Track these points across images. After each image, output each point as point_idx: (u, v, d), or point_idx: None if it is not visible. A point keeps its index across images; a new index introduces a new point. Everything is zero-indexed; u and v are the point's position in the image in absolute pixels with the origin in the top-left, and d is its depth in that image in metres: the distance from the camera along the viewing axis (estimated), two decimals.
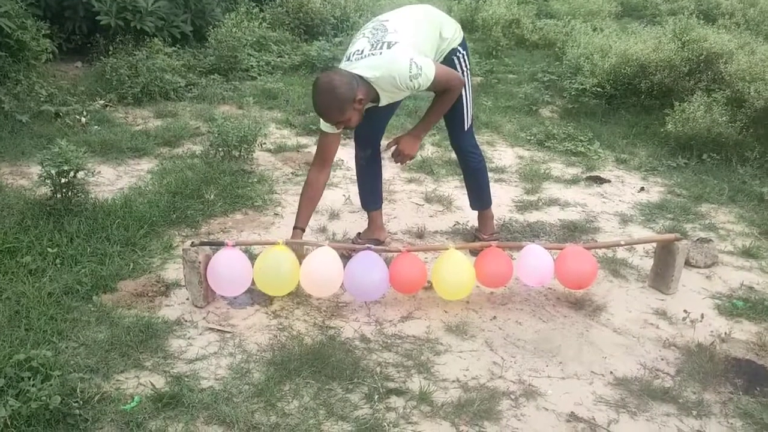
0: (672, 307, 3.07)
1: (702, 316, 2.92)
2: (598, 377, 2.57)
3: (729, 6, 9.64)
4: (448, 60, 3.13)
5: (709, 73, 5.72)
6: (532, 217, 4.00)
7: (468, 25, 9.62)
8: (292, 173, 4.42)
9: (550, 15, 10.70)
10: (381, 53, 2.82)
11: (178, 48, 6.73)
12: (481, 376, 2.53)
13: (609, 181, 4.64)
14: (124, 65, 5.75)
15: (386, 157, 3.51)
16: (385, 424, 2.23)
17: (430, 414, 2.30)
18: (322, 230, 3.61)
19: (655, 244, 3.28)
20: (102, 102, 5.49)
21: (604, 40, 6.88)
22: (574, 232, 3.81)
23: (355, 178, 4.36)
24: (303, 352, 2.54)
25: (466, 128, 3.35)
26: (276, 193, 4.08)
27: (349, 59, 2.92)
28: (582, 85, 6.19)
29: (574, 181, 4.62)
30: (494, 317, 2.94)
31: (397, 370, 2.52)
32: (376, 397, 2.35)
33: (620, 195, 4.41)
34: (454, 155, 4.85)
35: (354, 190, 4.16)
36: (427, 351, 2.66)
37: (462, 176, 3.66)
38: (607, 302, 3.10)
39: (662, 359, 2.70)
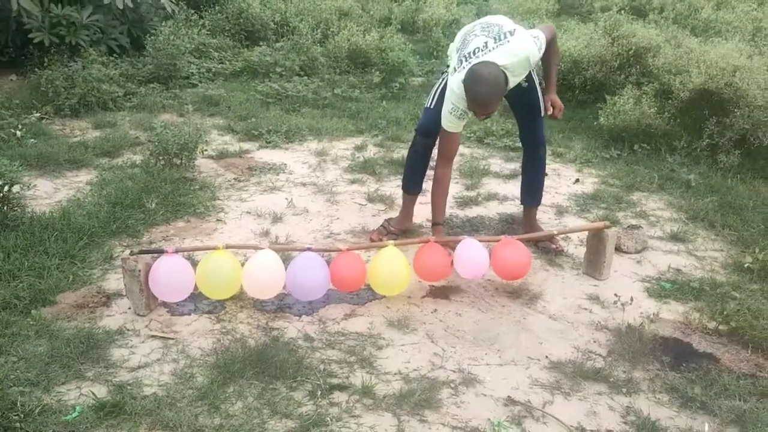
0: (604, 292, 3.21)
1: (632, 299, 3.06)
2: (534, 362, 2.67)
3: (659, 1, 10.01)
4: None
5: (638, 67, 5.95)
6: (472, 212, 4.10)
7: (409, 27, 9.76)
8: (234, 179, 4.43)
9: (489, 14, 10.90)
10: (509, 41, 3.02)
11: (115, 58, 6.64)
12: (422, 367, 2.61)
13: (546, 175, 4.75)
14: (60, 77, 5.65)
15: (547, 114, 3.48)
16: (329, 419, 2.28)
17: (373, 407, 2.37)
18: (265, 234, 3.64)
19: (587, 233, 3.41)
20: (38, 115, 5.38)
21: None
22: (512, 225, 3.92)
23: (304, 181, 4.45)
24: (246, 354, 2.58)
25: (543, 114, 3.44)
26: (218, 199, 4.08)
27: (469, 58, 3.05)
28: None
29: (512, 175, 4.74)
30: (435, 310, 3.02)
31: (340, 367, 2.58)
32: (319, 393, 2.40)
33: (556, 187, 4.56)
34: (396, 155, 4.98)
35: (297, 193, 4.23)
36: (370, 346, 2.72)
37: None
38: (544, 290, 3.22)
39: (594, 341, 2.82)
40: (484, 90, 2.93)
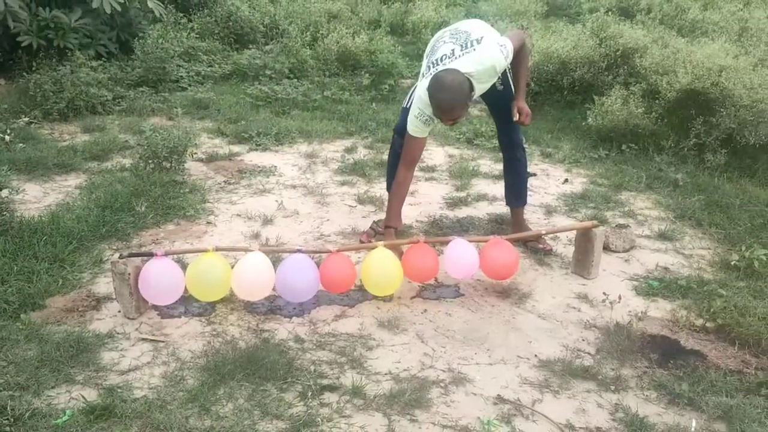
0: (593, 290, 3.23)
1: (620, 297, 3.09)
2: (523, 361, 2.69)
3: (647, 2, 10.07)
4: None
5: (626, 67, 6.00)
6: (462, 212, 4.12)
7: (398, 29, 9.78)
8: (224, 182, 4.43)
9: (478, 16, 10.91)
10: (475, 49, 3.07)
11: (104, 61, 6.63)
12: (412, 367, 2.62)
13: (535, 175, 4.81)
14: (48, 81, 5.63)
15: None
16: (319, 419, 2.29)
17: (363, 407, 2.38)
18: (256, 236, 3.64)
19: (575, 232, 3.44)
20: (26, 119, 5.36)
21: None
22: (501, 225, 3.95)
23: (294, 183, 4.45)
24: (237, 356, 2.58)
25: (515, 118, 3.42)
26: (208, 202, 4.08)
27: (437, 64, 3.11)
28: None
29: (501, 176, 4.73)
30: (425, 310, 3.03)
31: (330, 367, 2.59)
32: (310, 394, 2.41)
33: (545, 187, 4.58)
34: (386, 156, 4.97)
35: (287, 195, 4.23)
36: (360, 347, 2.73)
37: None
38: (533, 290, 3.24)
39: (583, 340, 2.84)
40: (448, 97, 2.96)
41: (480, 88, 3.14)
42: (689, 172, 4.78)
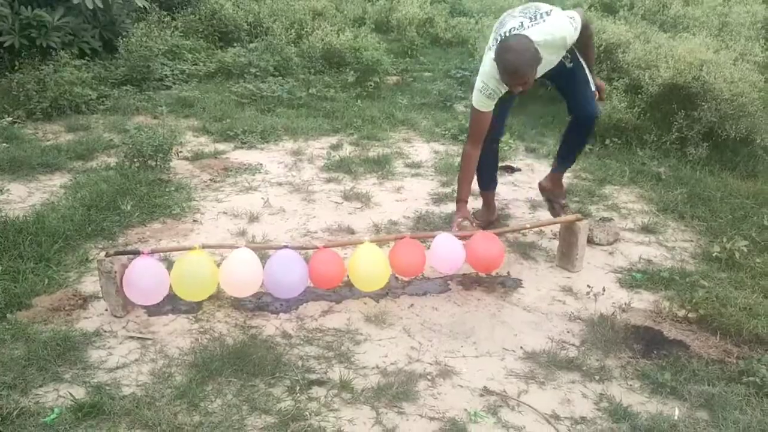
0: (578, 283, 3.27)
1: (604, 289, 3.13)
2: (509, 353, 2.72)
3: None
4: None
5: (609, 62, 6.03)
6: (448, 208, 4.14)
7: (383, 26, 9.79)
8: (210, 180, 4.43)
9: (462, 13, 10.97)
10: (545, 20, 3.08)
11: (88, 60, 6.59)
12: (399, 361, 2.64)
13: (519, 170, 4.85)
14: (31, 80, 5.59)
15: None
16: (307, 413, 2.31)
17: (351, 400, 2.40)
18: (242, 233, 3.65)
19: (560, 226, 3.47)
20: (9, 119, 5.33)
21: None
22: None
23: (280, 181, 4.46)
24: (225, 353, 2.59)
25: (592, 89, 3.44)
26: (194, 200, 4.08)
27: (503, 36, 3.10)
28: None
29: None
30: (412, 305, 3.05)
31: (318, 362, 2.60)
32: (298, 388, 2.42)
33: (530, 182, 4.62)
34: (372, 153, 5.01)
35: (273, 192, 4.24)
36: (348, 341, 2.75)
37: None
38: (518, 283, 3.27)
39: (568, 332, 2.88)
40: (513, 57, 2.96)
41: (547, 60, 3.13)
42: (672, 165, 4.83)
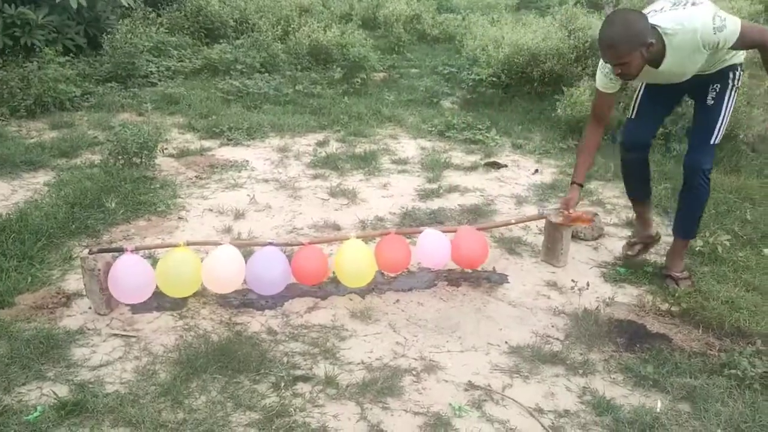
0: (562, 278, 3.29)
1: (588, 284, 3.15)
2: (494, 348, 2.73)
3: None
4: (724, 73, 2.96)
5: (594, 58, 6.06)
6: (434, 204, 4.15)
7: (370, 23, 9.79)
8: (196, 177, 4.41)
9: (449, 9, 11.00)
10: (685, 8, 2.71)
11: (72, 57, 6.54)
12: (384, 356, 2.65)
13: (506, 166, 4.86)
14: (15, 77, 5.55)
15: None
16: (292, 409, 2.31)
17: (336, 396, 2.40)
18: (227, 230, 3.64)
19: (545, 221, 3.48)
20: None
21: (498, 32, 7.15)
22: (473, 215, 3.98)
23: (266, 177, 4.45)
24: (210, 350, 2.58)
25: (712, 141, 2.97)
26: (180, 197, 4.07)
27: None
28: (479, 75, 6.43)
29: (473, 167, 4.81)
30: (397, 300, 3.06)
31: (303, 358, 2.60)
32: (283, 385, 2.42)
33: (516, 178, 4.64)
34: (358, 149, 5.01)
35: (259, 189, 4.23)
36: (333, 338, 2.75)
37: None
38: (504, 278, 3.28)
39: (552, 326, 2.89)
40: (608, 30, 2.67)
41: (673, 57, 2.74)
42: (656, 161, 4.85)
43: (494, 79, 6.36)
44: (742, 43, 2.75)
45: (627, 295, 3.16)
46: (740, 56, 2.97)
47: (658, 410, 2.35)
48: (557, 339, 2.80)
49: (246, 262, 2.91)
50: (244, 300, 3.01)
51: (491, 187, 4.46)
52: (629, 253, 3.44)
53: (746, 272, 3.31)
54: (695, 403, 2.39)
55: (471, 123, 5.65)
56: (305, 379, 2.48)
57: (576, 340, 2.78)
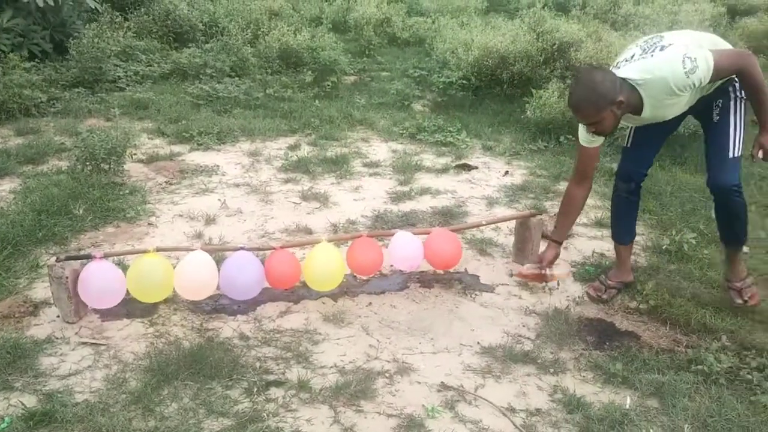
0: None
1: (558, 283, 3.19)
2: (466, 348, 2.75)
3: None
4: (722, 89, 2.85)
5: (562, 61, 6.16)
6: (406, 206, 4.17)
7: (340, 26, 9.80)
8: (165, 182, 4.37)
9: (420, 13, 11.04)
10: (653, 56, 2.65)
11: (38, 62, 6.44)
12: (357, 359, 2.65)
13: (476, 168, 4.90)
14: None
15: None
16: (265, 414, 2.30)
17: (309, 400, 2.39)
18: (198, 236, 3.61)
19: (515, 222, 3.52)
20: None
21: (467, 35, 7.21)
22: (445, 217, 4.01)
23: (237, 182, 4.42)
24: (181, 356, 2.56)
25: (731, 155, 2.81)
26: (149, 203, 4.02)
27: (616, 66, 2.77)
28: (449, 78, 6.48)
29: (444, 170, 4.84)
30: (370, 303, 3.07)
31: (276, 363, 2.60)
32: (255, 390, 2.41)
33: (487, 180, 4.68)
34: (329, 153, 5.01)
35: (230, 194, 4.20)
36: (306, 342, 2.75)
37: None
38: (476, 279, 3.31)
39: (524, 326, 2.92)
40: (576, 92, 2.66)
41: (651, 104, 2.70)
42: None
43: (464, 81, 6.42)
44: (720, 75, 2.70)
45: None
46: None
47: (627, 407, 2.39)
48: (528, 338, 2.83)
49: (218, 268, 2.90)
50: (216, 306, 2.99)
51: (462, 189, 4.49)
52: (604, 297, 3.14)
53: (711, 269, 3.38)
54: (663, 398, 2.44)
55: (442, 125, 5.68)
56: (278, 383, 2.47)
57: (547, 340, 2.81)
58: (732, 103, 2.84)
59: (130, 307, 2.91)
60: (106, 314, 2.87)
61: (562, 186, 4.54)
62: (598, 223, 3.96)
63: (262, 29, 8.17)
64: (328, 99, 6.59)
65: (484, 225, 3.57)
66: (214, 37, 8.00)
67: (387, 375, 2.55)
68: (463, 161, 5.00)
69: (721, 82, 2.80)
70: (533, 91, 5.66)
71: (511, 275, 3.23)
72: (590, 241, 3.76)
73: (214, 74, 6.80)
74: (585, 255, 3.60)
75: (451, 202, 4.24)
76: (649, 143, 3.11)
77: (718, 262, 3.44)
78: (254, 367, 2.55)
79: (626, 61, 2.74)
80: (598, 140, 2.87)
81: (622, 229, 3.26)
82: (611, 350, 2.75)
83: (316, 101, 6.44)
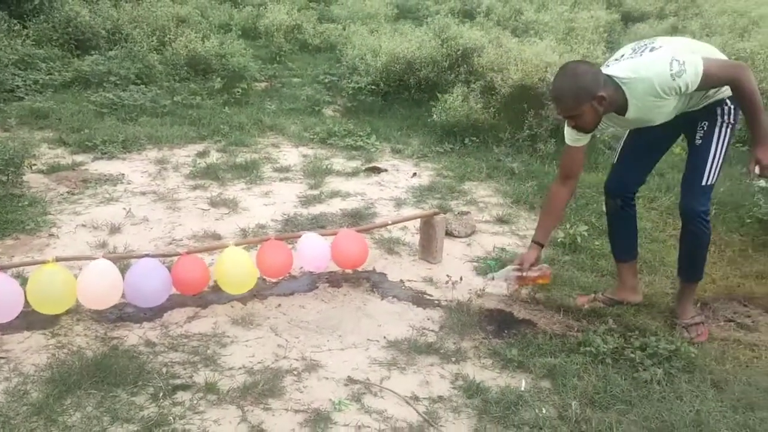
0: (438, 274, 3.45)
1: (461, 278, 3.33)
2: (373, 343, 2.84)
3: (488, 4, 10.72)
4: (711, 109, 2.79)
5: (466, 66, 6.38)
6: (316, 209, 4.23)
7: (250, 32, 9.75)
8: (68, 192, 4.26)
9: (331, 19, 11.12)
10: (641, 55, 2.63)
11: None
12: (266, 359, 2.69)
13: (386, 170, 5.02)
14: None
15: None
16: (172, 418, 2.31)
17: (217, 401, 2.42)
18: (102, 245, 3.55)
19: (419, 221, 3.65)
20: None
21: (376, 41, 7.35)
22: (354, 219, 4.09)
23: (143, 190, 4.36)
24: (84, 365, 2.52)
25: (703, 182, 2.78)
26: (50, 214, 3.92)
27: (606, 65, 2.75)
28: (358, 84, 6.60)
29: (354, 173, 4.94)
30: (279, 305, 3.11)
31: (183, 368, 2.60)
32: (162, 395, 2.41)
33: (396, 182, 4.80)
34: (239, 159, 5.02)
35: (136, 202, 4.15)
36: (214, 345, 2.76)
37: None
38: (383, 277, 3.41)
39: (428, 319, 3.04)
40: (556, 83, 2.65)
41: (635, 106, 2.66)
42: (524, 161, 5.19)
43: (373, 86, 6.55)
44: (709, 83, 2.63)
45: (497, 286, 3.36)
46: (727, 90, 2.72)
47: (522, 389, 2.54)
48: (432, 331, 2.95)
49: (123, 276, 2.87)
50: (121, 314, 2.96)
51: (372, 191, 4.60)
52: (586, 305, 3.16)
53: (602, 259, 3.62)
54: (555, 379, 2.60)
55: (352, 130, 5.79)
56: (185, 387, 2.48)
57: (449, 331, 2.94)
58: (717, 128, 2.78)
59: (30, 319, 2.84)
60: (5, 328, 2.79)
61: (467, 186, 4.73)
62: (500, 220, 4.16)
63: (168, 36, 8.02)
64: (238, 105, 6.58)
65: (389, 225, 3.68)
66: (117, 44, 7.79)
67: (295, 373, 2.61)
68: (372, 164, 5.11)
69: (710, 102, 2.77)
70: (439, 95, 5.85)
71: (492, 278, 3.19)
72: (492, 236, 3.94)
73: (118, 82, 6.64)
74: (488, 250, 3.76)
75: (361, 204, 4.33)
76: (638, 159, 3.07)
77: (607, 253, 3.63)
78: (161, 373, 2.54)
79: (616, 60, 2.74)
80: (584, 139, 2.86)
81: (616, 244, 3.22)
82: (509, 337, 2.90)
83: (226, 108, 6.41)
